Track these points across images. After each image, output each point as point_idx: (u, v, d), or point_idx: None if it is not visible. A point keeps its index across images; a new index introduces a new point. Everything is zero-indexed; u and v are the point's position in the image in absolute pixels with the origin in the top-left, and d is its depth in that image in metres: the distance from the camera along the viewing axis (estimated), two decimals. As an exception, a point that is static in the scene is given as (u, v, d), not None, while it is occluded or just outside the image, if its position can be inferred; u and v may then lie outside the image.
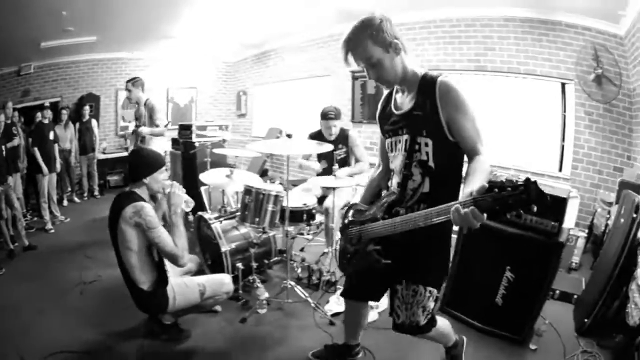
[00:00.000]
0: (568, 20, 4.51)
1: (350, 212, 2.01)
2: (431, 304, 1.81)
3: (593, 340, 2.70)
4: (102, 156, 7.91)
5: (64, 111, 6.77)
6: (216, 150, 4.59)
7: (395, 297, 1.86)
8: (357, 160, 4.14)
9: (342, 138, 4.06)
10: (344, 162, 4.10)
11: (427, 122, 1.63)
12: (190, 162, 5.67)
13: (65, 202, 6.80)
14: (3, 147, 4.65)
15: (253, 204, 3.27)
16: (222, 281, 2.73)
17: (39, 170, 5.44)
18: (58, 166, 5.85)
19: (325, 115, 3.93)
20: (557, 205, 2.56)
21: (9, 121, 5.24)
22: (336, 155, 3.99)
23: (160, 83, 9.09)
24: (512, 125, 5.17)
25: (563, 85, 4.77)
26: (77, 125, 7.07)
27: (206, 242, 3.72)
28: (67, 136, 6.70)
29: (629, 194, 2.88)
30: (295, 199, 3.65)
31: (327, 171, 3.93)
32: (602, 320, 2.71)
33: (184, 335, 2.80)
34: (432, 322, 1.89)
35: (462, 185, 1.63)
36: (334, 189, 3.58)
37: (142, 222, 2.33)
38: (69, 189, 7.15)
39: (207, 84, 10.06)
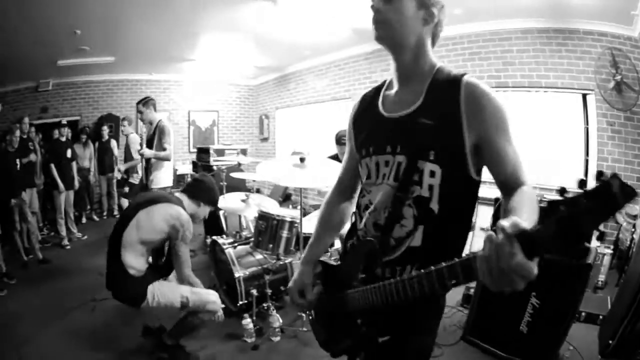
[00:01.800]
0: (585, 27, 4.42)
1: (319, 270, 1.42)
2: None
3: None
4: (118, 176, 7.99)
5: (83, 134, 6.87)
6: (234, 174, 4.59)
7: None
8: None
9: None
10: None
11: (440, 139, 1.08)
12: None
13: (84, 220, 6.91)
14: (18, 161, 4.75)
15: (267, 230, 3.25)
16: (208, 298, 2.64)
17: (55, 186, 5.53)
18: (76, 184, 5.92)
19: (339, 141, 3.84)
20: None
21: (25, 136, 5.31)
22: None
23: (181, 106, 9.32)
24: (535, 141, 4.99)
25: (584, 96, 4.63)
26: (97, 144, 7.15)
27: (221, 267, 3.70)
28: (86, 155, 6.81)
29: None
30: (312, 224, 3.58)
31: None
32: (627, 341, 2.55)
33: (191, 358, 2.77)
34: None
35: (466, 245, 1.21)
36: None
37: (180, 230, 2.46)
38: (88, 207, 7.25)
39: (229, 107, 10.19)
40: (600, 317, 3.18)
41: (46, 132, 6.64)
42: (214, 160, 5.73)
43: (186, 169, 8.74)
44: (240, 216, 4.01)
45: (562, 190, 0.72)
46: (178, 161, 8.14)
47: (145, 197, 2.67)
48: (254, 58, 7.81)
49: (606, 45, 4.25)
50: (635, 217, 3.95)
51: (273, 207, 3.63)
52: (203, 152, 6.11)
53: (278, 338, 3.08)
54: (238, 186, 5.02)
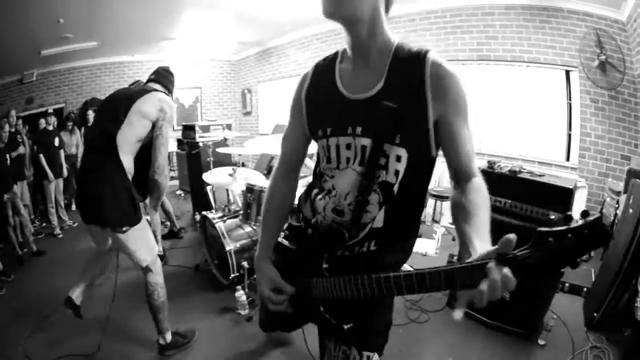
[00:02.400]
0: (569, 7, 4.44)
1: (274, 257, 1.34)
2: None
3: (603, 335, 2.65)
4: None
5: (69, 121, 6.75)
6: (220, 150, 4.58)
7: (325, 353, 1.32)
8: None
9: None
10: None
11: (405, 122, 1.03)
12: (194, 162, 5.72)
13: (73, 207, 6.80)
14: (8, 155, 4.70)
15: (255, 202, 3.29)
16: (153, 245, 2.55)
17: (45, 176, 5.49)
18: (65, 172, 5.88)
19: None
20: (563, 197, 2.51)
21: (12, 129, 5.26)
22: None
23: (163, 84, 9.16)
24: (518, 115, 5.12)
25: (567, 72, 4.69)
26: (83, 130, 7.02)
27: (212, 241, 3.75)
28: (73, 142, 6.71)
29: (638, 183, 2.82)
30: (297, 195, 3.63)
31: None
32: (612, 314, 2.65)
33: (191, 335, 2.81)
34: None
35: (420, 221, 1.24)
36: None
37: (167, 112, 2.43)
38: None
39: (212, 83, 10.12)
40: (585, 288, 3.24)
41: (32, 123, 6.53)
42: (200, 137, 5.69)
43: (171, 146, 8.65)
44: (227, 190, 4.03)
45: (567, 218, 0.77)
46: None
47: (126, 94, 2.48)
48: (235, 34, 7.73)
49: (591, 26, 4.29)
50: (618, 193, 4.03)
51: (259, 179, 3.66)
52: (189, 129, 6.04)
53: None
54: (224, 161, 5.03)
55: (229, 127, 5.98)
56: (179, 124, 8.99)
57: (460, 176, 1.05)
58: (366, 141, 1.07)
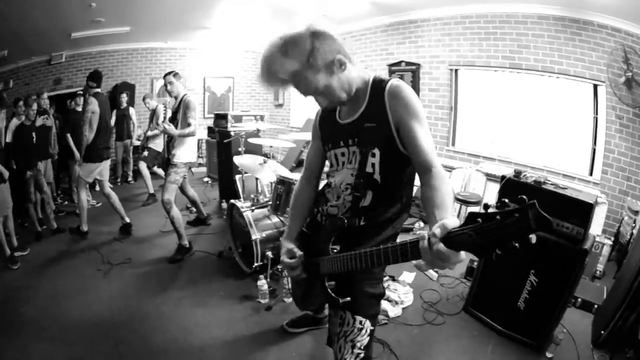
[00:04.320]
0: (599, 20, 4.40)
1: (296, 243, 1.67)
2: (363, 340, 1.49)
3: (607, 354, 2.65)
4: (136, 143, 7.91)
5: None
6: (251, 140, 4.60)
7: (330, 319, 1.68)
8: None
9: None
10: None
11: (379, 134, 1.39)
12: (225, 151, 5.77)
13: (97, 187, 7.01)
14: (34, 133, 4.84)
15: (285, 194, 3.35)
16: None
17: (71, 156, 5.66)
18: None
19: None
20: (583, 211, 2.51)
21: (41, 109, 5.39)
22: None
23: (196, 72, 9.29)
24: (545, 125, 5.10)
25: (595, 87, 4.63)
26: (115, 112, 7.10)
27: (238, 229, 3.81)
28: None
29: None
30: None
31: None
32: (618, 334, 2.63)
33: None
34: None
35: (409, 204, 1.58)
36: None
37: None
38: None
39: (244, 74, 10.14)
40: (596, 305, 3.24)
41: (59, 103, 6.71)
42: (232, 126, 5.79)
43: (201, 134, 8.75)
44: (256, 180, 4.13)
45: (485, 206, 0.82)
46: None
47: None
48: (270, 26, 7.72)
49: (619, 41, 4.24)
50: (636, 212, 4.01)
51: (287, 173, 3.73)
52: (221, 118, 6.10)
53: (290, 299, 3.19)
54: (255, 151, 5.08)
55: (261, 118, 6.05)
56: (210, 112, 9.18)
57: (421, 168, 1.30)
58: (355, 149, 1.47)
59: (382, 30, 6.84)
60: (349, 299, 1.42)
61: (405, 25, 6.42)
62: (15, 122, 4.70)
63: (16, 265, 3.88)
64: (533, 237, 0.71)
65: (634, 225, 3.86)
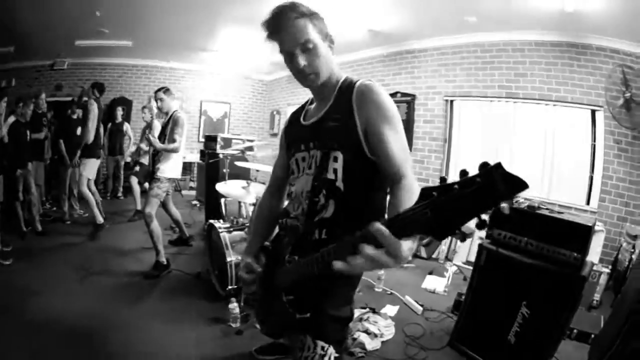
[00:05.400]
0: (598, 43, 4.42)
1: (261, 256, 1.57)
2: None
3: None
4: (128, 159, 7.87)
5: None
6: (239, 163, 4.57)
7: (290, 344, 1.50)
8: None
9: None
10: None
11: (342, 134, 1.27)
12: (212, 172, 5.74)
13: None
14: (28, 132, 4.88)
15: None
16: None
17: (62, 162, 5.62)
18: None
19: None
20: (580, 235, 2.39)
21: (40, 111, 5.43)
22: None
23: (194, 95, 9.43)
24: (542, 155, 5.05)
25: (593, 112, 4.62)
26: (109, 126, 7.14)
27: (215, 250, 3.72)
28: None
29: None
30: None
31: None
32: None
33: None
34: None
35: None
36: None
37: None
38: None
39: (242, 100, 10.27)
40: (592, 336, 3.10)
41: (57, 109, 6.72)
42: (220, 149, 5.76)
43: (194, 157, 8.82)
44: (240, 203, 4.05)
45: (442, 179, 0.68)
46: (187, 149, 8.23)
47: None
48: (270, 54, 7.82)
49: (617, 63, 4.25)
50: (635, 237, 3.92)
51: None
52: (210, 140, 6.19)
53: (262, 325, 3.08)
54: (243, 174, 5.03)
55: (250, 141, 6.05)
56: (204, 135, 9.18)
57: (390, 179, 1.18)
58: (315, 152, 1.35)
59: (379, 60, 6.88)
60: (307, 315, 1.25)
61: (403, 56, 6.45)
62: (12, 118, 4.77)
63: (8, 261, 3.93)
64: (505, 207, 0.60)
65: (632, 250, 3.75)
